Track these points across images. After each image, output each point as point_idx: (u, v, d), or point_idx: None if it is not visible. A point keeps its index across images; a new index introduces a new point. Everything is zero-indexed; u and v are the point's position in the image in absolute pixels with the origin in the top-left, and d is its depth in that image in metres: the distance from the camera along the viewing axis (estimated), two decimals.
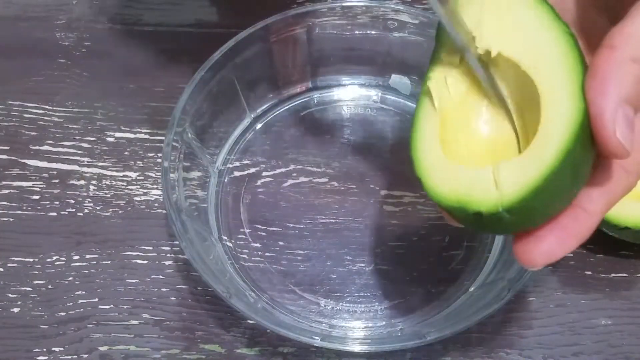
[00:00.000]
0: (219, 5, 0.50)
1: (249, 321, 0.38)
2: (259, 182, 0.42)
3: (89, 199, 0.42)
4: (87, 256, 0.40)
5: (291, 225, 0.41)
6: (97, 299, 0.39)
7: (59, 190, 0.42)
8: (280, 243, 0.40)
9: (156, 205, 0.42)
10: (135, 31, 0.49)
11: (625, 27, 0.23)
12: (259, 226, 0.41)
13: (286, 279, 0.39)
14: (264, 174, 0.43)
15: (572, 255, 0.40)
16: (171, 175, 0.37)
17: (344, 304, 0.38)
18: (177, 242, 0.39)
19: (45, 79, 0.47)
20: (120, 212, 0.41)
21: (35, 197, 0.42)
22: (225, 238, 0.40)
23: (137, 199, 0.42)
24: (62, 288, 0.39)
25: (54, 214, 0.41)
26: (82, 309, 0.38)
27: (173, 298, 0.39)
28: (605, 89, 0.22)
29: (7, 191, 0.42)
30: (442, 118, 0.27)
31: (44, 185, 0.42)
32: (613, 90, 0.22)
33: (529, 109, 0.26)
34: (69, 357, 0.37)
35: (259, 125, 0.45)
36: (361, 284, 0.39)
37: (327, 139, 0.44)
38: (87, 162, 0.43)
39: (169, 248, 0.40)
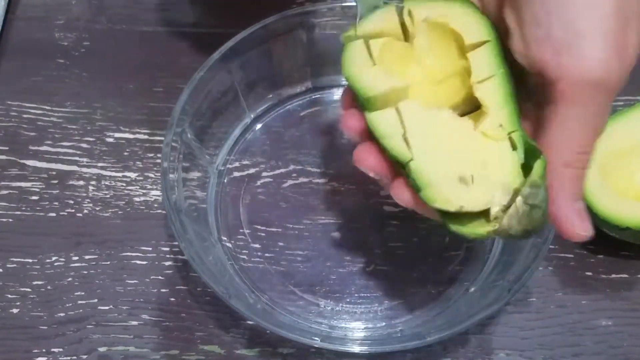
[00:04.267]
0: (218, 6, 0.50)
1: (249, 322, 0.38)
2: (258, 183, 0.42)
3: (88, 200, 0.42)
4: (87, 257, 0.40)
5: (291, 225, 0.41)
6: (96, 300, 0.39)
7: (58, 191, 0.42)
8: (280, 244, 0.40)
9: (155, 205, 0.42)
10: (135, 31, 0.49)
11: (545, 138, 0.27)
12: (259, 227, 0.41)
13: (286, 280, 0.39)
14: (264, 174, 0.43)
15: (572, 256, 0.40)
16: (170, 175, 0.37)
17: (344, 305, 0.38)
18: (176, 243, 0.39)
19: (44, 79, 0.47)
20: (119, 212, 0.41)
21: (34, 197, 0.42)
22: (225, 238, 0.40)
23: (137, 199, 0.42)
24: (62, 289, 0.39)
25: (53, 214, 0.41)
26: (81, 310, 0.38)
27: (172, 299, 0.39)
28: (554, 199, 0.27)
29: (6, 192, 0.42)
30: None
31: (43, 186, 0.42)
32: (561, 197, 0.27)
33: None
34: (68, 357, 0.37)
35: (258, 126, 0.45)
36: (361, 284, 0.39)
37: (327, 139, 0.44)
38: (87, 162, 0.43)
39: (168, 249, 0.40)
